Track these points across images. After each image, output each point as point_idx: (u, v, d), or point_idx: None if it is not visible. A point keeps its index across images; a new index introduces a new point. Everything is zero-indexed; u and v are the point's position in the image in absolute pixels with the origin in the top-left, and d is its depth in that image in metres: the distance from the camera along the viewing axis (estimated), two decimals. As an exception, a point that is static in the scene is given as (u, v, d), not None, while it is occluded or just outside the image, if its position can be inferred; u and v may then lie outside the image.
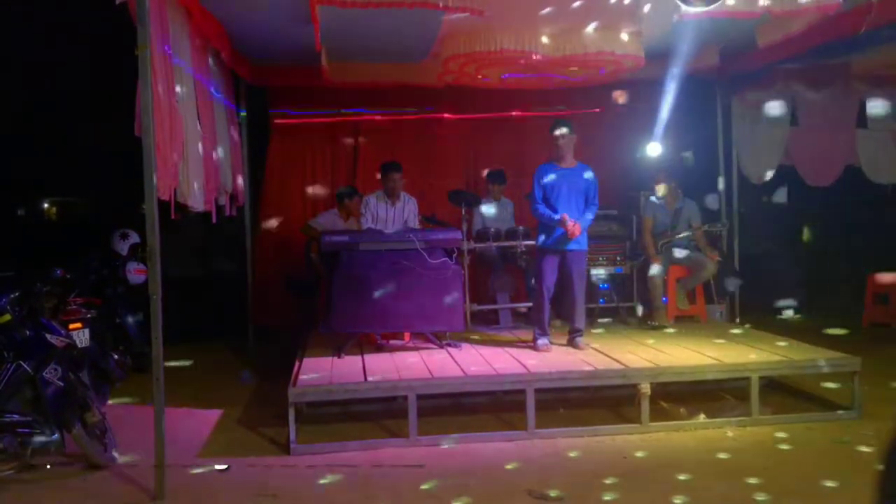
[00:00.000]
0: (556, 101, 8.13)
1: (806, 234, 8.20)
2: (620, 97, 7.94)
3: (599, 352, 5.47)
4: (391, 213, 6.38)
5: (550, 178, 5.60)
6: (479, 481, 3.95)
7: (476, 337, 6.26)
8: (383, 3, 5.09)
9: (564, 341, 5.79)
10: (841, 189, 8.36)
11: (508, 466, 4.16)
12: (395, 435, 4.68)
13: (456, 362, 5.25)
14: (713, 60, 7.10)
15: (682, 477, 3.92)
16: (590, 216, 5.65)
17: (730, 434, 4.64)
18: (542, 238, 5.69)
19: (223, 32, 6.04)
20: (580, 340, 5.67)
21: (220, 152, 6.19)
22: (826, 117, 7.94)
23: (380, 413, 5.07)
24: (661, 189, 6.98)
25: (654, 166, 7.45)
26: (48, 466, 4.19)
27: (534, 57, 6.22)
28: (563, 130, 5.63)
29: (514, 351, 5.62)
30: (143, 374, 6.04)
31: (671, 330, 6.31)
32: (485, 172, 8.00)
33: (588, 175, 5.67)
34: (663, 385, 5.11)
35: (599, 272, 7.22)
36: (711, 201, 7.64)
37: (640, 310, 7.24)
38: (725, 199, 8.02)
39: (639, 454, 4.32)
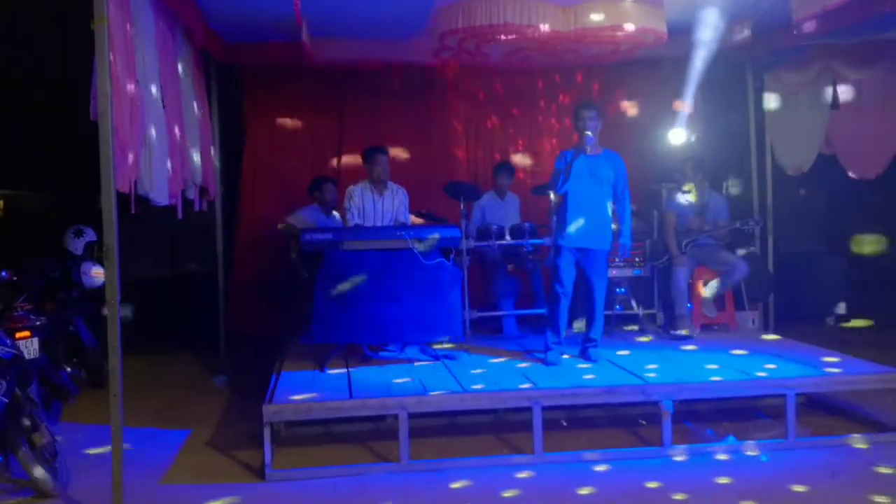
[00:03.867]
0: (567, 81, 8.10)
1: None
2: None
3: (616, 365, 5.47)
4: (379, 206, 6.35)
5: (572, 166, 5.53)
6: (479, 511, 3.94)
7: (476, 348, 6.25)
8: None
9: (577, 352, 5.78)
10: (889, 181, 8.35)
11: (512, 495, 4.14)
12: (384, 459, 4.67)
13: (453, 376, 5.24)
14: (744, 36, 7.08)
15: (708, 506, 3.91)
16: (627, 214, 5.66)
17: (763, 458, 4.63)
18: (558, 233, 5.66)
19: (192, 4, 6.02)
20: (595, 353, 5.66)
21: (187, 140, 6.17)
22: (872, 100, 7.92)
23: (367, 434, 5.06)
24: (688, 187, 6.96)
25: (678, 155, 7.45)
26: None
27: (541, 31, 6.20)
28: (589, 113, 5.58)
29: (519, 364, 5.61)
30: (99, 390, 6.04)
31: (693, 347, 6.28)
32: (487, 161, 8.00)
33: (617, 164, 5.64)
34: (688, 403, 5.11)
35: (616, 275, 7.19)
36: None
37: (661, 317, 7.23)
38: (758, 193, 8.02)
39: (660, 481, 4.30)
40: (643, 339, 6.69)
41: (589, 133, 5.49)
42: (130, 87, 4.47)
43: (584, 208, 5.55)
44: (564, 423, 5.16)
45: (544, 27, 6.19)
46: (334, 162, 8.30)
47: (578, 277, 5.65)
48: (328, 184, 7.33)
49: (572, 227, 5.54)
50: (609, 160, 5.63)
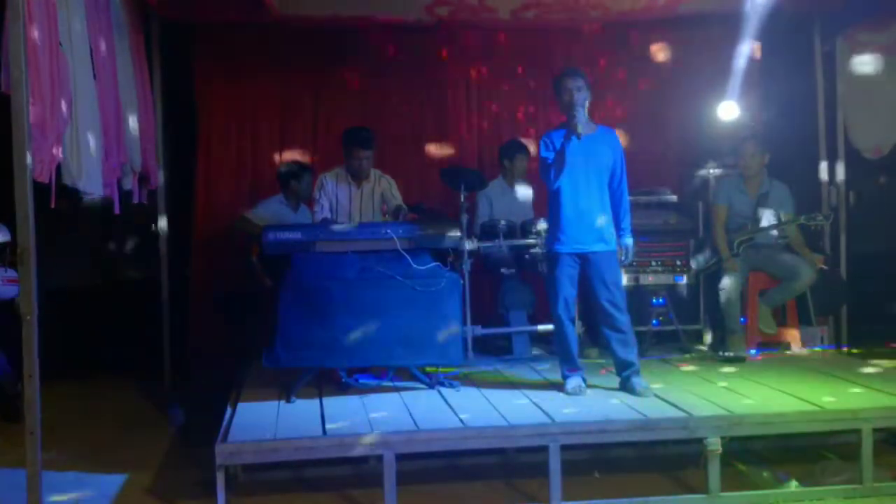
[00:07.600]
0: (591, 43, 8.09)
1: None
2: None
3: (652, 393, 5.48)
4: (356, 200, 6.36)
5: (564, 154, 5.47)
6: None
7: (480, 372, 6.27)
8: None
9: (607, 383, 5.80)
10: None
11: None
12: (365, 510, 4.67)
13: (451, 408, 5.25)
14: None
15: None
16: (628, 205, 5.66)
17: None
18: (552, 236, 5.64)
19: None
20: (639, 382, 5.54)
21: (124, 117, 6.18)
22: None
23: (345, 480, 5.06)
24: (749, 147, 6.92)
25: (731, 133, 7.43)
26: None
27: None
28: (576, 82, 5.55)
29: (532, 392, 5.62)
30: (14, 425, 6.03)
31: (746, 371, 6.29)
32: (494, 141, 8.00)
33: (614, 144, 5.63)
34: (741, 440, 5.11)
35: (653, 282, 7.20)
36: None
37: (708, 335, 7.23)
38: (828, 181, 8.02)
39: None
40: (686, 361, 6.70)
41: (579, 109, 5.40)
42: (52, 51, 4.47)
43: (582, 202, 5.52)
44: (597, 475, 5.16)
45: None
46: (308, 143, 8.30)
47: (587, 290, 5.65)
48: (308, 174, 7.34)
49: (570, 228, 5.53)
50: (605, 140, 5.61)
